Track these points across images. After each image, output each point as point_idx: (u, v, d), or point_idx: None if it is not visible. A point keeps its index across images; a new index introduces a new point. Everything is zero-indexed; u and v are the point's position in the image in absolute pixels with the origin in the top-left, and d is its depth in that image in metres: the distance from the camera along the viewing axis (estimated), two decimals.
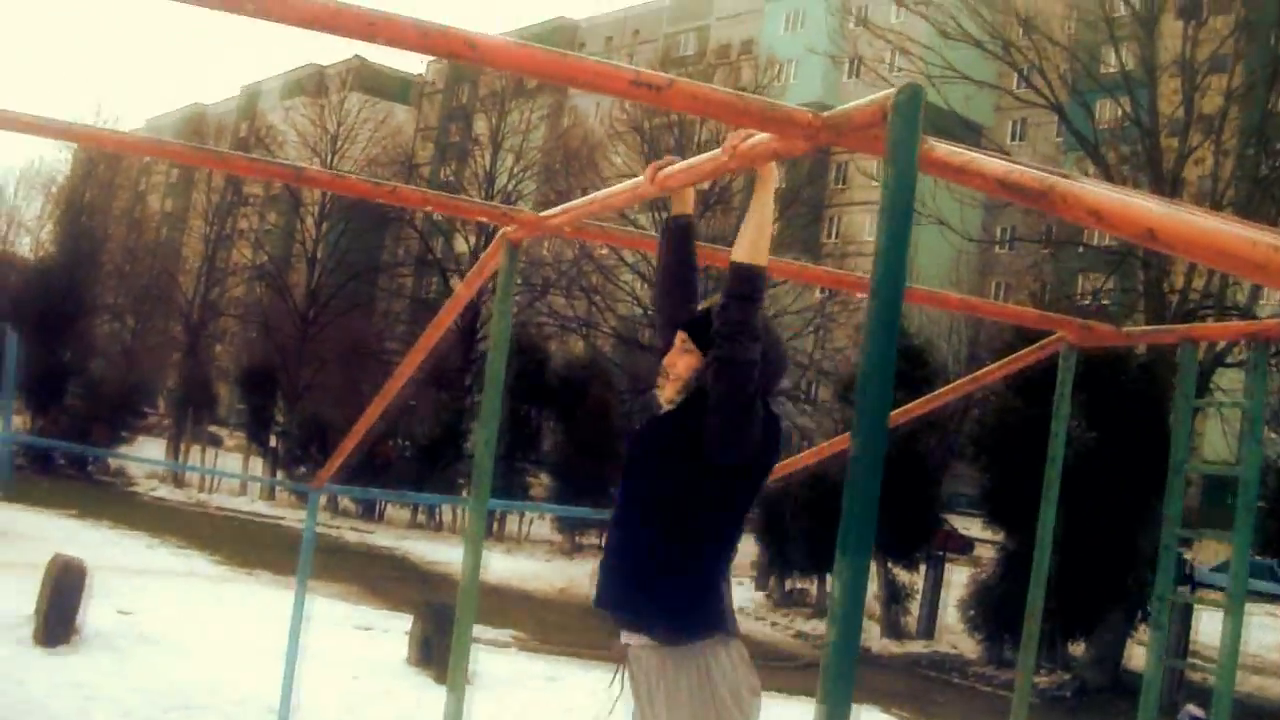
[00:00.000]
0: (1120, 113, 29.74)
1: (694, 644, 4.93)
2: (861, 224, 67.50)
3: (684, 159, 5.27)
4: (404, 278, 74.34)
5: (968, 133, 28.66)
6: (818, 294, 51.51)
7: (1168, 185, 25.09)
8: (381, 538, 42.82)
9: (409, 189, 6.71)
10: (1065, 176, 3.90)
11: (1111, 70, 30.11)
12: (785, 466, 12.56)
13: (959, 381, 9.74)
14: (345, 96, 70.67)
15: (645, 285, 52.50)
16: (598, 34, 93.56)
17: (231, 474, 46.96)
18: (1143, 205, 3.57)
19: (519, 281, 61.06)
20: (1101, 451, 25.23)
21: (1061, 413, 8.24)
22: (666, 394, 5.22)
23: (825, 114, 4.28)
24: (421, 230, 66.74)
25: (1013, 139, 63.75)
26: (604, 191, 6.21)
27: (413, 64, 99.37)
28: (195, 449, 60.60)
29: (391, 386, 9.36)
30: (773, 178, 5.18)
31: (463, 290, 8.18)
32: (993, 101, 54.15)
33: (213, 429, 68.98)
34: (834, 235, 64.34)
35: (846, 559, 3.46)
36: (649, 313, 51.76)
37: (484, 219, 7.47)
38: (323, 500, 54.74)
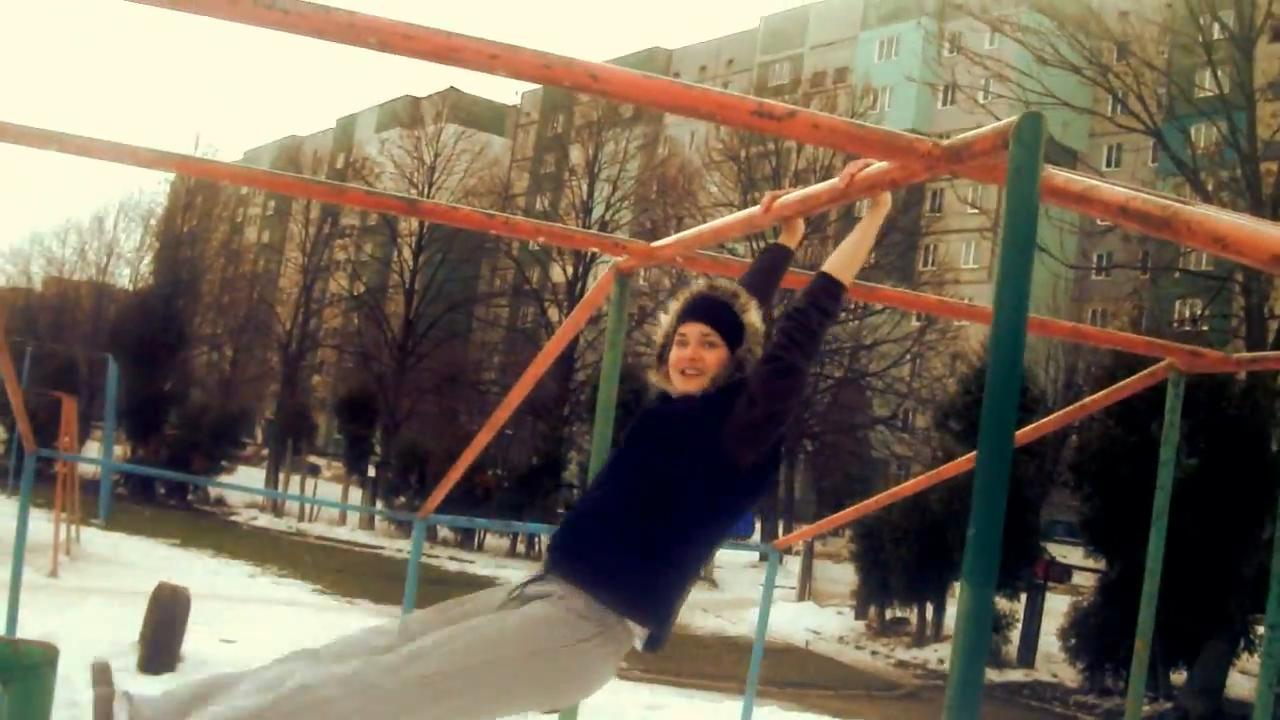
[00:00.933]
0: (1217, 136, 29.51)
1: (606, 612, 4.58)
2: (957, 252, 67.27)
3: (783, 188, 5.31)
4: (500, 307, 74.63)
5: (1064, 158, 28.49)
6: (915, 322, 51.35)
7: (1268, 210, 24.85)
8: (481, 566, 42.96)
9: (521, 220, 6.77)
10: (1185, 203, 3.92)
11: (1208, 93, 29.87)
12: (888, 496, 12.58)
13: (1070, 408, 9.69)
14: (441, 128, 71.07)
15: None
16: (691, 62, 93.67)
17: (332, 503, 47.24)
18: (1270, 231, 3.58)
19: None
20: (1202, 478, 25.02)
21: (1171, 440, 8.19)
22: (692, 386, 5.04)
23: (945, 142, 4.31)
24: (518, 259, 67.04)
25: (1108, 165, 63.27)
26: (717, 222, 6.25)
27: (507, 94, 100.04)
28: (294, 479, 61.02)
29: (498, 417, 9.42)
30: (887, 205, 5.19)
31: (572, 320, 8.25)
32: (1088, 127, 53.87)
33: (311, 459, 69.43)
34: (930, 263, 64.07)
35: (972, 587, 3.48)
36: None
37: (595, 249, 7.51)
38: (424, 530, 54.51)
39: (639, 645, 4.71)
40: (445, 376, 57.48)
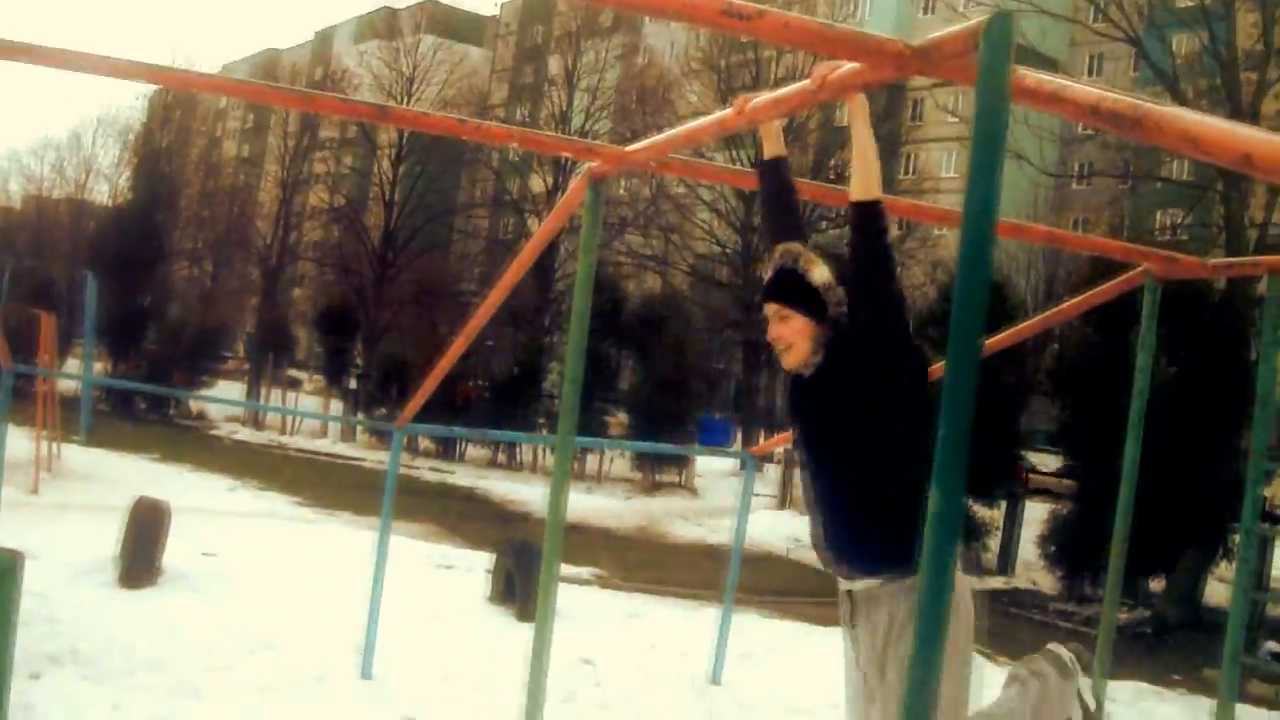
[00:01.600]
0: (1198, 46, 29.39)
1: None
2: (938, 160, 67.11)
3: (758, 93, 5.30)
4: (480, 219, 74.55)
5: (1044, 66, 28.27)
6: (895, 230, 51.29)
7: (1246, 119, 24.80)
8: (461, 477, 42.98)
9: (494, 125, 6.74)
10: (1156, 103, 3.89)
11: (1189, 3, 29.74)
12: None
13: (1045, 314, 9.72)
14: (419, 39, 70.74)
15: (721, 223, 52.44)
16: None
17: (312, 414, 47.21)
18: (1239, 129, 3.56)
19: None
20: (1180, 386, 25.07)
21: (1146, 345, 8.21)
22: (794, 362, 5.32)
23: (915, 43, 4.27)
24: (498, 170, 66.90)
25: (1088, 74, 63.11)
26: (690, 125, 6.23)
27: (485, 4, 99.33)
28: (274, 392, 61.07)
29: (473, 326, 9.40)
30: (864, 108, 5.20)
31: (546, 226, 8.21)
32: (1067, 37, 53.65)
33: (291, 372, 69.40)
34: (911, 171, 63.94)
35: (941, 490, 3.48)
36: (726, 250, 51.75)
37: (568, 154, 7.48)
38: (403, 440, 54.67)
39: None
40: (425, 288, 57.44)
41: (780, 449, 42.81)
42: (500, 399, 48.45)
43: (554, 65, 68.11)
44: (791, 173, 6.04)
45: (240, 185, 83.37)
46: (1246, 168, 3.43)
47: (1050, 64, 34.23)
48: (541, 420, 47.38)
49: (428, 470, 44.00)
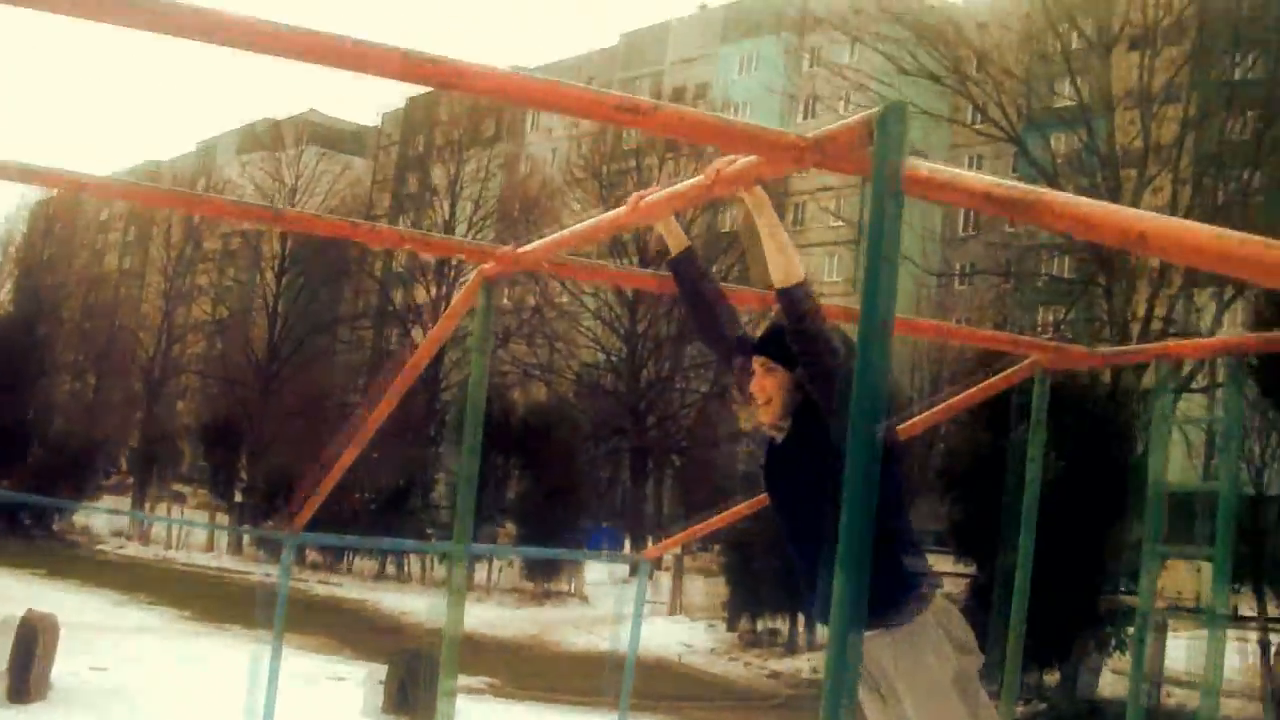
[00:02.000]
0: (1077, 144, 29.90)
1: (922, 615, 5.15)
2: (820, 264, 67.55)
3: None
4: (364, 330, 74.28)
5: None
6: None
7: None
8: (350, 589, 42.65)
9: (387, 228, 6.74)
10: (1046, 190, 3.96)
11: (1068, 102, 30.27)
12: (758, 500, 12.56)
13: (935, 409, 9.72)
14: (302, 150, 70.83)
15: (607, 330, 52.54)
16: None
17: (202, 525, 46.70)
18: (1132, 212, 3.62)
19: None
20: (1069, 479, 25.29)
21: (1037, 437, 8.25)
22: (769, 418, 5.34)
23: (810, 135, 4.31)
24: (382, 280, 66.82)
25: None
26: (584, 224, 6.21)
27: (367, 115, 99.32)
28: (159, 507, 60.24)
29: (365, 434, 9.32)
30: (765, 198, 5.21)
31: (438, 330, 8.18)
32: (949, 139, 54.48)
33: (176, 486, 68.63)
34: None
35: (846, 577, 3.51)
36: (612, 358, 51.82)
37: (460, 255, 7.51)
38: (294, 548, 54.24)
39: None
40: (310, 399, 57.05)
41: (671, 557, 42.76)
42: (387, 511, 48.10)
43: (437, 174, 68.21)
44: (700, 261, 6.03)
45: (122, 298, 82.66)
46: (1141, 246, 3.49)
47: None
48: (430, 531, 47.13)
49: (316, 583, 43.63)
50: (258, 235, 70.54)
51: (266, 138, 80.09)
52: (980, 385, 8.99)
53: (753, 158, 4.72)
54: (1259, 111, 26.78)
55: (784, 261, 5.09)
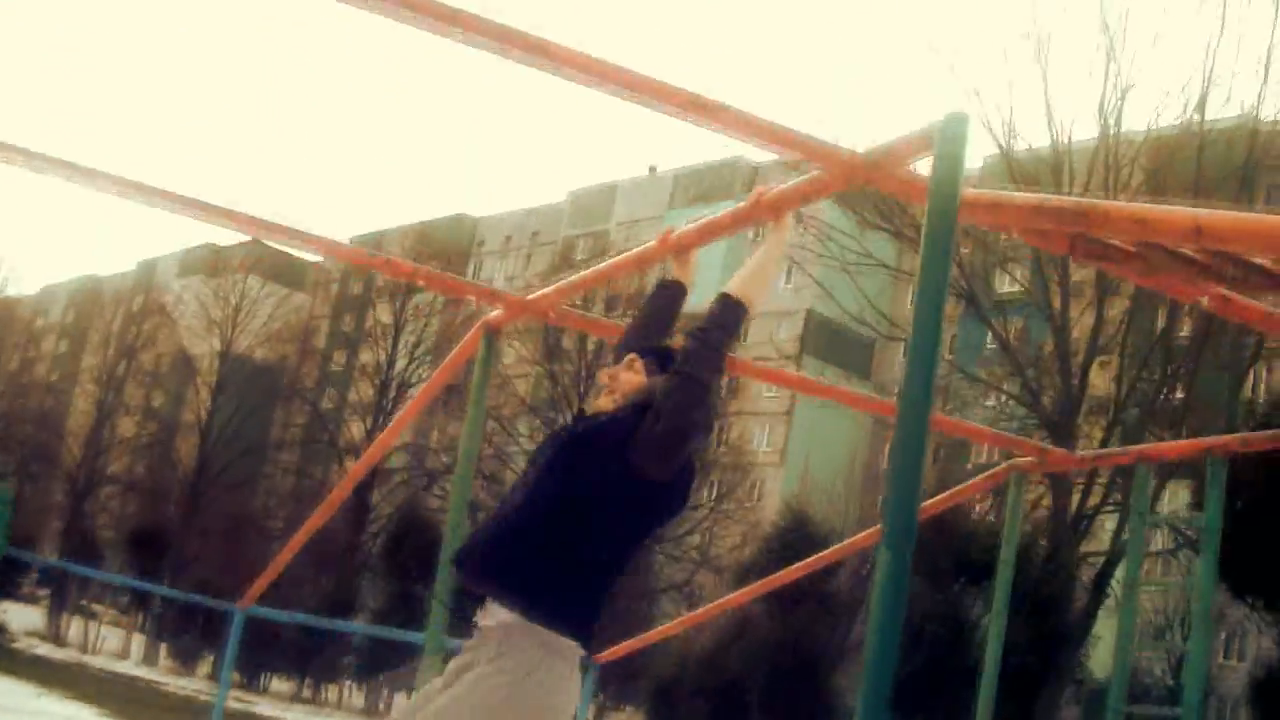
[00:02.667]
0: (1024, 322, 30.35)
1: (545, 631, 4.67)
2: (751, 435, 67.55)
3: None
4: (290, 458, 73.90)
5: (882, 323, 28.83)
6: (713, 492, 51.88)
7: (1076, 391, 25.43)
8: (264, 708, 42.16)
9: (402, 261, 6.83)
10: (1098, 206, 4.16)
11: (1018, 289, 30.66)
12: (688, 620, 12.62)
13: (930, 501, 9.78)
14: (244, 279, 71.10)
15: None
16: (497, 232, 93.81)
17: (149, 587, 45.85)
18: (1184, 209, 3.81)
19: (409, 466, 60.45)
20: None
21: (1011, 539, 8.37)
22: (602, 404, 5.09)
23: (864, 150, 4.51)
24: (314, 405, 66.81)
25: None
26: (606, 263, 6.33)
27: (309, 254, 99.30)
28: (75, 621, 59.51)
29: (325, 508, 9.37)
30: (788, 227, 5.27)
31: (437, 377, 8.29)
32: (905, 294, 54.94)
33: (94, 606, 67.76)
34: (722, 444, 63.96)
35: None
36: None
37: (471, 296, 7.63)
38: (203, 669, 54.16)
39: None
40: (235, 521, 56.69)
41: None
42: (309, 637, 47.52)
43: (380, 312, 68.31)
44: (681, 306, 5.96)
45: (51, 408, 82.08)
46: (1197, 238, 3.69)
47: (887, 320, 33.99)
48: (348, 660, 46.84)
49: (233, 699, 43.01)
50: (187, 361, 70.72)
51: (207, 263, 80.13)
52: (955, 489, 9.17)
53: (794, 182, 4.93)
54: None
55: (753, 281, 5.00)
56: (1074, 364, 26.00)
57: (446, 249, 68.56)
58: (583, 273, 6.48)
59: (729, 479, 54.56)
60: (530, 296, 6.96)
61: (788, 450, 65.83)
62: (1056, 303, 26.18)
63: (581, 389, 50.52)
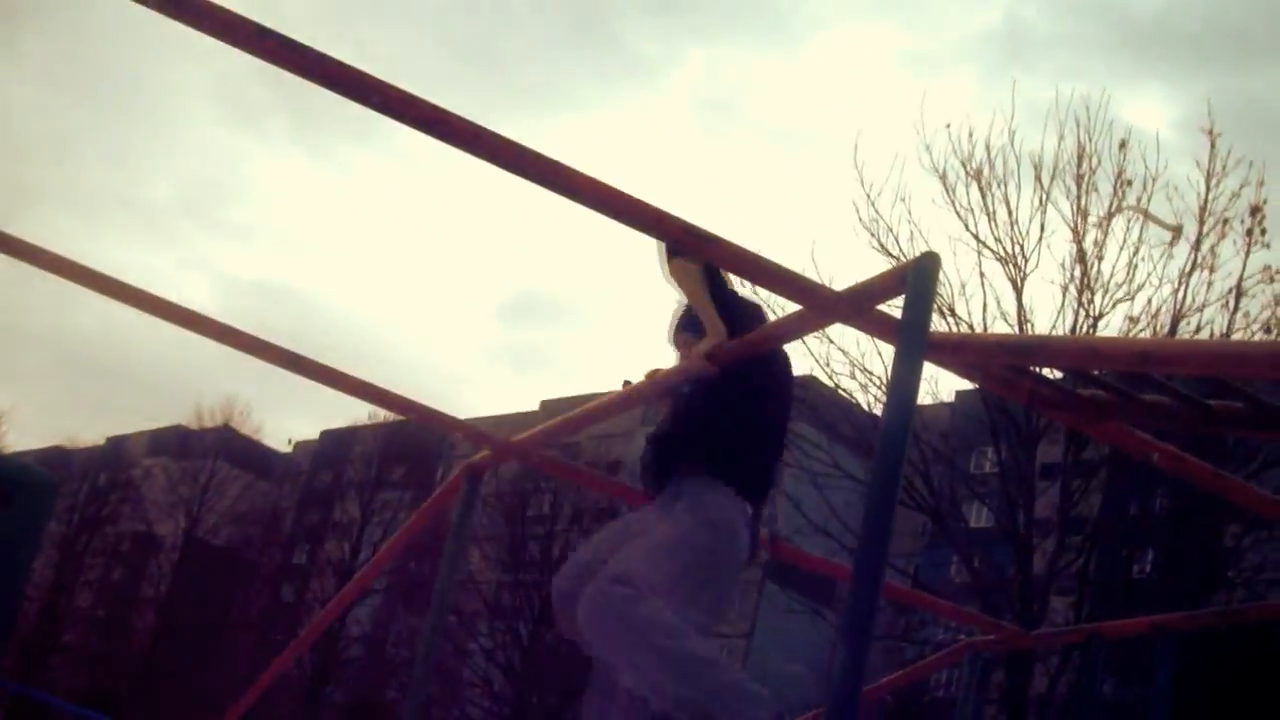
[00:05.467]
0: (990, 519, 30.68)
1: (723, 488, 5.40)
2: None
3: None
4: (246, 644, 73.46)
5: (847, 537, 28.94)
6: None
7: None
8: None
9: (396, 394, 7.06)
10: (1052, 339, 4.51)
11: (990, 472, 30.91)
12: None
13: (873, 685, 9.92)
14: (214, 463, 71.28)
15: (499, 671, 52.21)
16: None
17: None
18: (1132, 339, 4.17)
19: (365, 657, 59.76)
20: None
21: (965, 715, 8.57)
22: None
23: (842, 289, 4.83)
24: (276, 591, 66.55)
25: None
26: (592, 404, 6.60)
27: (279, 441, 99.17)
28: None
29: (303, 640, 9.54)
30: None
31: (419, 518, 8.50)
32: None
33: None
34: None
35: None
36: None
37: (459, 433, 7.88)
38: None
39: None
40: (190, 699, 56.21)
41: None
42: None
43: (347, 507, 68.28)
44: None
45: None
46: (1144, 365, 4.02)
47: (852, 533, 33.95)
48: None
49: None
50: (150, 537, 70.65)
51: (175, 444, 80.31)
52: (913, 667, 9.40)
53: (777, 320, 5.27)
54: (1173, 497, 27.57)
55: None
56: (1043, 546, 26.23)
57: (416, 446, 68.66)
58: (567, 414, 6.78)
59: None
60: (515, 439, 7.22)
61: (748, 672, 65.50)
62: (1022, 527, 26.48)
63: (545, 592, 50.37)
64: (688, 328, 5.76)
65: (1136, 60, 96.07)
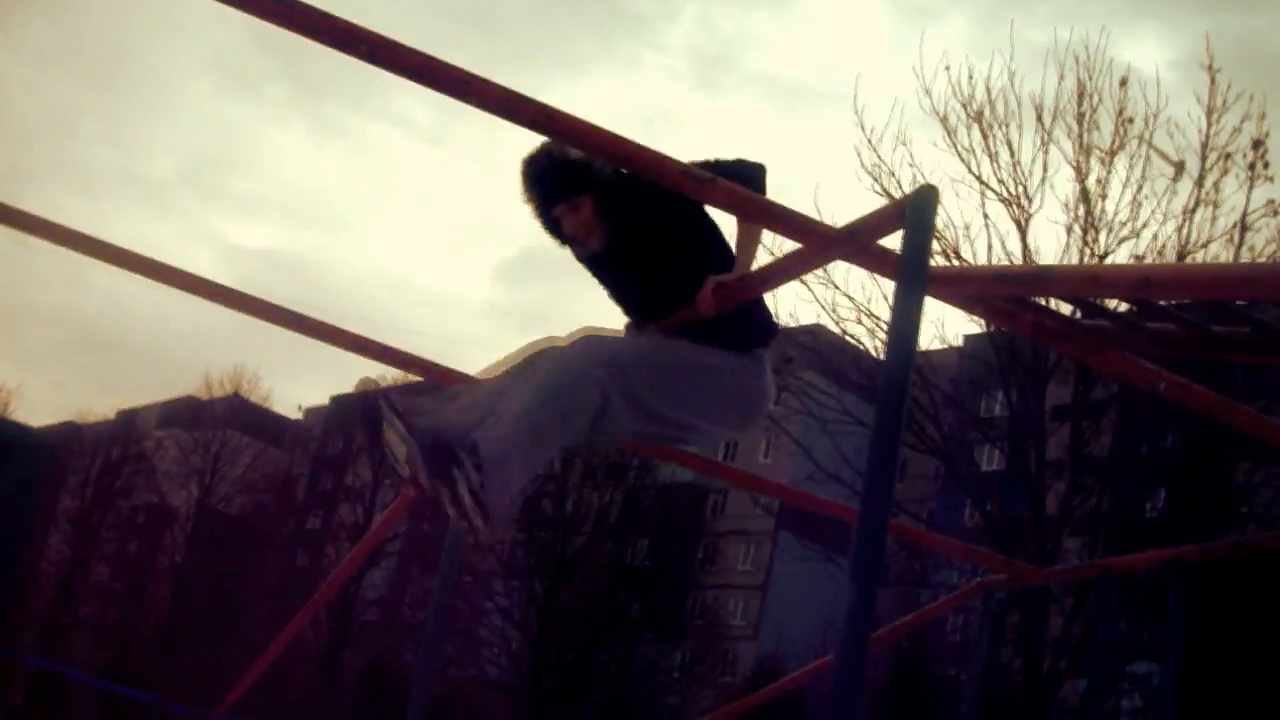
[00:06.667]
0: (1002, 462, 30.67)
1: (750, 349, 5.62)
2: (724, 604, 67.24)
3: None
4: (263, 614, 73.57)
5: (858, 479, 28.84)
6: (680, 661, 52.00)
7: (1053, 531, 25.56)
8: None
9: (407, 352, 7.04)
10: (1052, 268, 4.48)
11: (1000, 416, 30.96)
12: None
13: (890, 628, 9.86)
14: (225, 433, 71.35)
15: (515, 630, 52.26)
16: None
17: (128, 691, 45.44)
18: (1134, 265, 4.15)
19: (382, 620, 59.81)
20: None
21: (978, 654, 8.56)
22: (598, 241, 5.73)
23: (842, 225, 4.80)
24: (290, 558, 66.68)
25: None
26: None
27: (289, 408, 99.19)
28: None
29: (293, 626, 9.53)
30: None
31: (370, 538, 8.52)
32: None
33: None
34: (698, 614, 63.72)
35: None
36: None
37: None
38: None
39: None
40: (207, 670, 56.29)
41: None
42: None
43: (359, 471, 68.28)
44: None
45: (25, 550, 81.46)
46: (1146, 290, 3.99)
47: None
48: None
49: None
50: (164, 509, 70.76)
51: (187, 415, 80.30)
52: (926, 608, 9.38)
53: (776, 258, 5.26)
54: (1184, 435, 27.41)
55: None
56: (1055, 487, 26.22)
57: None
58: None
59: (702, 646, 54.65)
60: None
61: (762, 622, 65.46)
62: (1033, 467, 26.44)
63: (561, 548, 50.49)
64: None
65: (1134, 1, 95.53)
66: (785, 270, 5.28)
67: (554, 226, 5.73)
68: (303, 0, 3.94)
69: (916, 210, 4.31)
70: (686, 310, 5.42)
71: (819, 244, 4.85)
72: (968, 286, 4.70)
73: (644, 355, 5.38)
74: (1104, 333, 4.61)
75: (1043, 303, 4.67)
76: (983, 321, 25.03)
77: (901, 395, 4.07)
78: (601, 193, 5.57)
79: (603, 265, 5.87)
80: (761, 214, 4.81)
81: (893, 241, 4.53)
